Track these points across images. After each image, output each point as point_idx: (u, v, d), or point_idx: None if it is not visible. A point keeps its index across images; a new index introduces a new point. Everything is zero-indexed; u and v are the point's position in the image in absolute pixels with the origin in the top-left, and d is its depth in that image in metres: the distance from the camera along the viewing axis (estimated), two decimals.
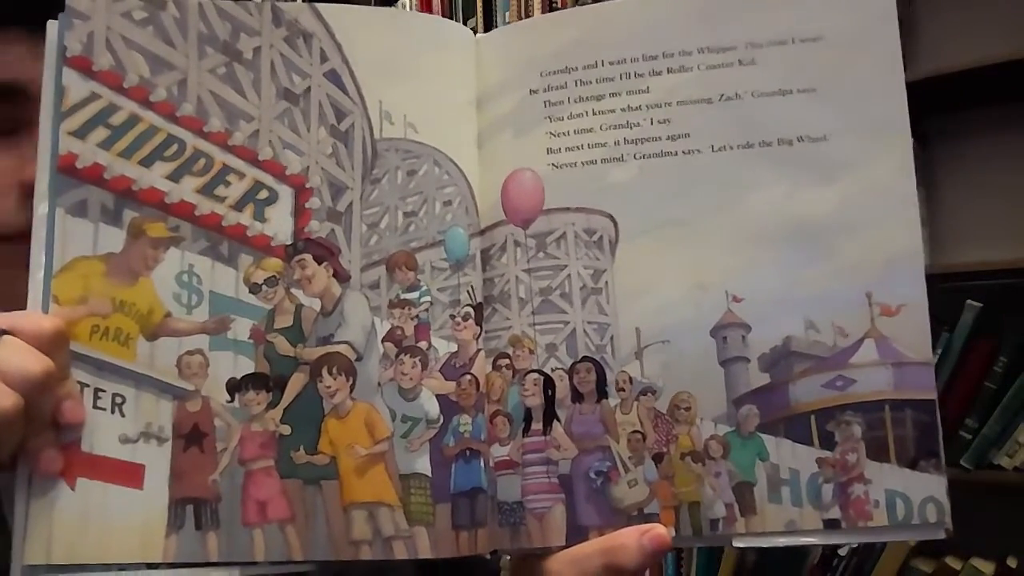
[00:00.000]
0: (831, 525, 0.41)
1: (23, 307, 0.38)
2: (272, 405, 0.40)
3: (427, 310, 0.42)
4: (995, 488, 1.49)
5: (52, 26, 0.39)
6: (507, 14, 2.19)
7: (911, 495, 0.41)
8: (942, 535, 0.41)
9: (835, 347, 0.41)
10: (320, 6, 0.42)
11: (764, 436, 0.42)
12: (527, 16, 2.14)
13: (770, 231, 0.41)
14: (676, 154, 0.41)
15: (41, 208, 0.38)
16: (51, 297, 0.38)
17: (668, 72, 0.41)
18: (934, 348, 1.47)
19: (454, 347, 0.42)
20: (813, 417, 0.41)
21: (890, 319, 0.40)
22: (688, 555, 1.71)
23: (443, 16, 2.34)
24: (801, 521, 0.41)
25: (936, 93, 1.58)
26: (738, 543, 0.42)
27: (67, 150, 0.38)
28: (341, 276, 0.41)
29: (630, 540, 0.39)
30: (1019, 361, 1.41)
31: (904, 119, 0.41)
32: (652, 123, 0.41)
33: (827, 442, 0.41)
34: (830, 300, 0.41)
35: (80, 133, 0.38)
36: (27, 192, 0.41)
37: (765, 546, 0.42)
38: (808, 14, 0.41)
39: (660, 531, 0.40)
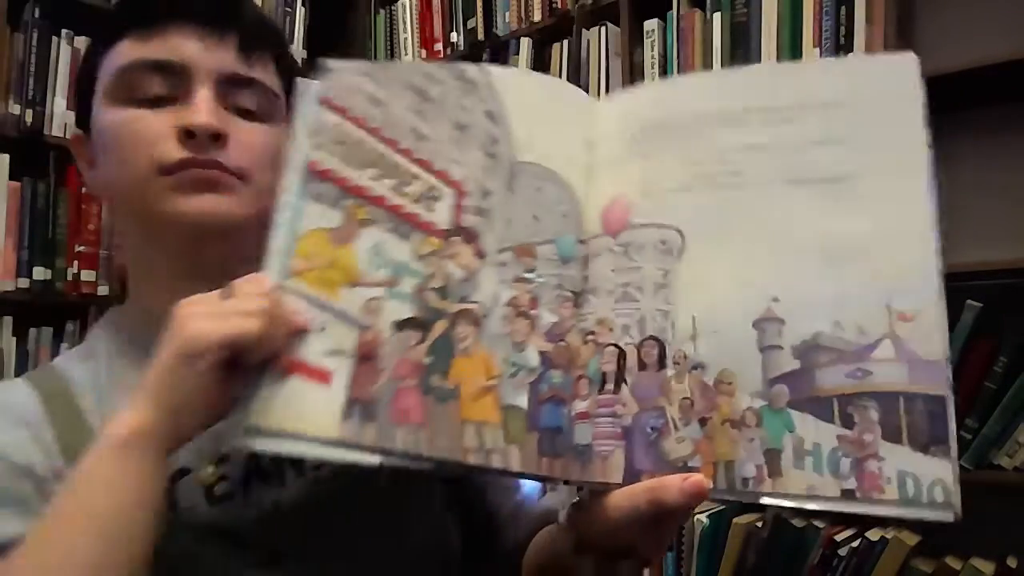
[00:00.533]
0: (847, 495, 0.46)
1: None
2: (421, 341, 0.53)
3: (539, 288, 0.54)
4: (995, 488, 1.50)
5: (306, 83, 0.57)
6: (507, 14, 2.20)
7: (921, 476, 0.45)
8: (951, 518, 0.44)
9: (857, 344, 0.48)
10: (484, 65, 0.60)
11: (792, 412, 0.48)
12: (527, 16, 2.16)
13: (807, 248, 0.50)
14: (733, 187, 0.52)
15: (287, 195, 0.54)
16: (295, 251, 0.54)
17: (730, 127, 0.53)
18: None
19: (555, 319, 0.54)
20: (835, 400, 0.47)
21: (906, 323, 0.47)
22: (688, 555, 1.71)
23: (443, 16, 2.36)
24: (821, 488, 0.47)
25: (936, 93, 1.58)
26: (765, 500, 0.48)
27: (312, 158, 0.55)
28: (479, 253, 0.55)
29: (674, 483, 0.47)
30: (1019, 361, 1.41)
31: (922, 159, 0.49)
32: (716, 163, 0.53)
33: (847, 422, 0.47)
34: (854, 305, 0.48)
35: (321, 147, 0.56)
36: (180, 136, 0.58)
37: (788, 505, 0.48)
38: (836, 84, 0.53)
39: (699, 478, 0.47)
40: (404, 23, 2.46)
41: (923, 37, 1.71)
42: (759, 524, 1.64)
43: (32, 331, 1.91)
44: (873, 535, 1.53)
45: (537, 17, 2.14)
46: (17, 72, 1.91)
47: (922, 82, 0.50)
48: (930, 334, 0.47)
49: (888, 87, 0.51)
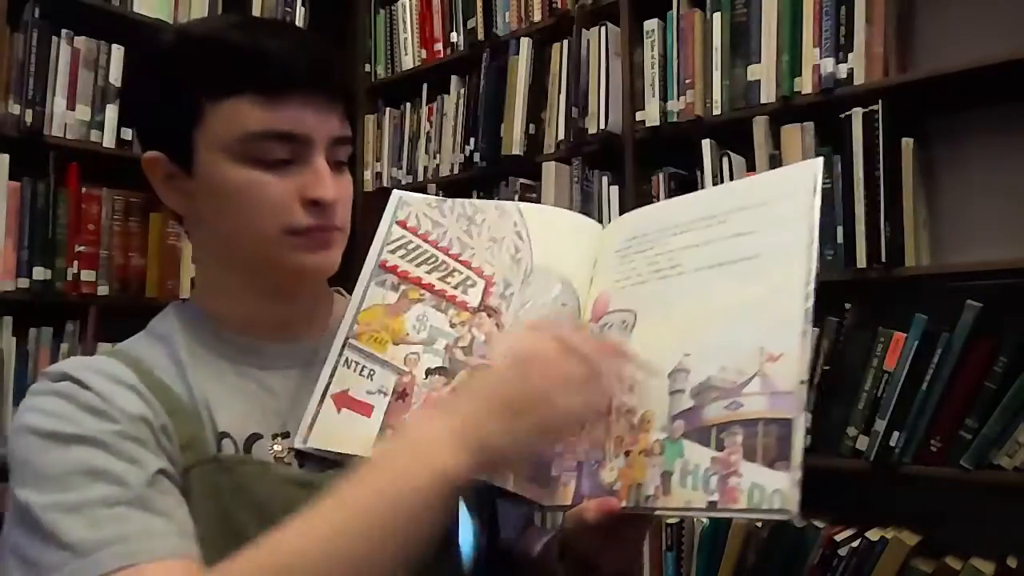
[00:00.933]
0: (712, 505, 0.58)
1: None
2: (446, 384, 0.70)
3: None
4: (995, 488, 1.50)
5: (393, 199, 0.82)
6: (507, 14, 2.20)
7: (766, 486, 0.56)
8: (787, 518, 0.55)
9: (735, 382, 0.59)
10: (519, 203, 0.81)
11: (684, 441, 0.62)
12: (527, 16, 2.16)
13: (716, 312, 0.64)
14: (673, 276, 0.69)
15: (362, 281, 0.77)
16: (356, 319, 0.74)
17: (678, 234, 0.71)
18: (934, 348, 1.48)
19: None
20: (714, 428, 0.59)
21: (773, 363, 0.58)
22: (688, 555, 1.71)
23: (443, 16, 2.36)
24: (695, 501, 0.59)
25: (936, 93, 1.59)
26: (657, 512, 0.62)
27: (384, 258, 0.78)
28: (500, 325, 0.73)
29: (592, 504, 0.64)
30: (1019, 361, 1.41)
31: (806, 240, 0.62)
32: (666, 260, 0.70)
33: (720, 446, 0.59)
34: (738, 351, 0.61)
35: (392, 250, 0.78)
36: (306, 204, 0.67)
37: (671, 516, 0.67)
38: (761, 190, 0.69)
39: (609, 500, 0.64)
40: (404, 23, 2.46)
41: (923, 37, 1.71)
42: (759, 524, 1.64)
43: (32, 331, 1.91)
44: (873, 535, 1.53)
45: (537, 17, 2.14)
46: (17, 72, 1.91)
47: (818, 181, 0.65)
48: (790, 369, 0.57)
49: (792, 188, 0.65)
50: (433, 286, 0.76)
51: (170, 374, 0.67)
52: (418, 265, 0.77)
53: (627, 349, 0.66)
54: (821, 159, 0.67)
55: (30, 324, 1.91)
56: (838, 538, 1.56)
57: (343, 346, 0.73)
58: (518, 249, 0.77)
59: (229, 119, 0.65)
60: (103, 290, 2.04)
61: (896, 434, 1.50)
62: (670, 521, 1.71)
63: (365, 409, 0.70)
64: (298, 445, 0.68)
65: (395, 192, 0.83)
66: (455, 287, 0.75)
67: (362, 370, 0.71)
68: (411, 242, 0.78)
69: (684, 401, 0.61)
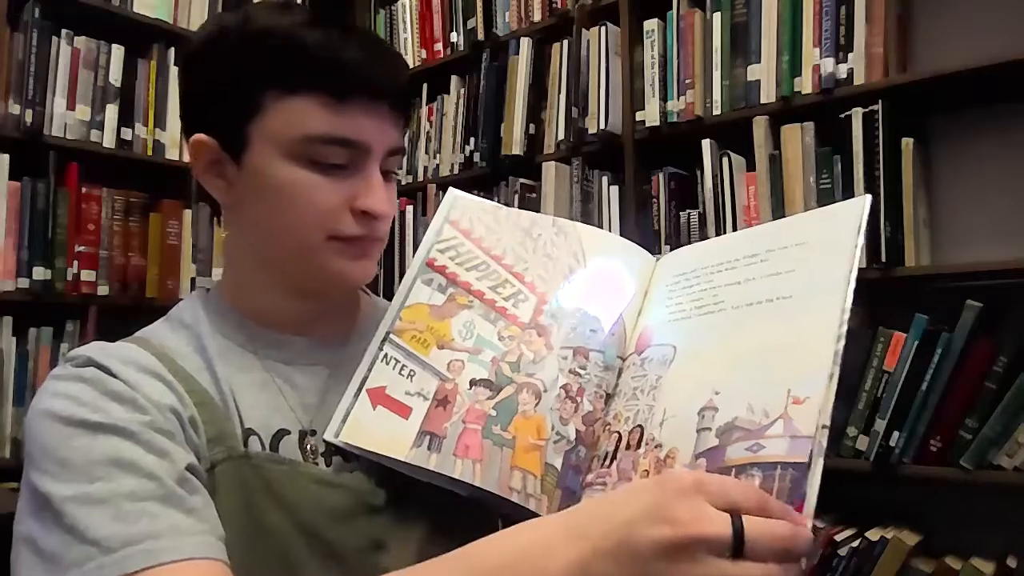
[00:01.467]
0: None
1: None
2: (490, 399, 0.68)
3: (585, 382, 0.69)
4: (995, 488, 1.49)
5: (448, 197, 0.80)
6: (507, 14, 2.20)
7: None
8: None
9: (760, 423, 0.58)
10: (576, 223, 0.79)
11: None
12: (527, 16, 2.17)
13: (748, 352, 0.62)
14: (715, 313, 0.67)
15: (408, 276, 0.75)
16: (399, 315, 0.73)
17: (723, 271, 0.69)
18: (934, 348, 1.48)
19: (591, 408, 0.68)
20: (734, 469, 0.57)
21: (798, 406, 0.56)
22: None
23: (443, 16, 2.36)
24: None
25: (936, 93, 1.59)
26: None
27: (432, 256, 0.76)
28: (548, 346, 0.71)
29: None
30: (1019, 361, 1.41)
31: (842, 286, 0.59)
32: (709, 297, 0.68)
33: None
34: (766, 393, 0.59)
35: (441, 250, 0.76)
36: (356, 213, 0.66)
37: None
38: (801, 228, 0.68)
39: None
40: (404, 23, 2.46)
41: (923, 37, 1.71)
42: None
43: (32, 331, 1.91)
44: (873, 535, 1.53)
45: (537, 17, 2.14)
46: (17, 72, 1.91)
47: (863, 219, 0.62)
48: (811, 413, 0.55)
49: (835, 226, 0.64)
50: (483, 294, 0.74)
51: (195, 365, 0.66)
52: (468, 270, 0.75)
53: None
54: (869, 197, 0.64)
55: (30, 324, 1.91)
56: (838, 538, 1.56)
57: (383, 340, 0.71)
58: (572, 271, 0.75)
59: (291, 117, 0.64)
60: (103, 290, 2.04)
61: (896, 434, 1.50)
62: None
63: (403, 410, 0.68)
64: (328, 437, 0.66)
65: (451, 190, 0.81)
66: (506, 299, 0.73)
67: (401, 368, 0.70)
68: (463, 244, 0.76)
69: (709, 439, 0.60)
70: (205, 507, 0.57)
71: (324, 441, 0.67)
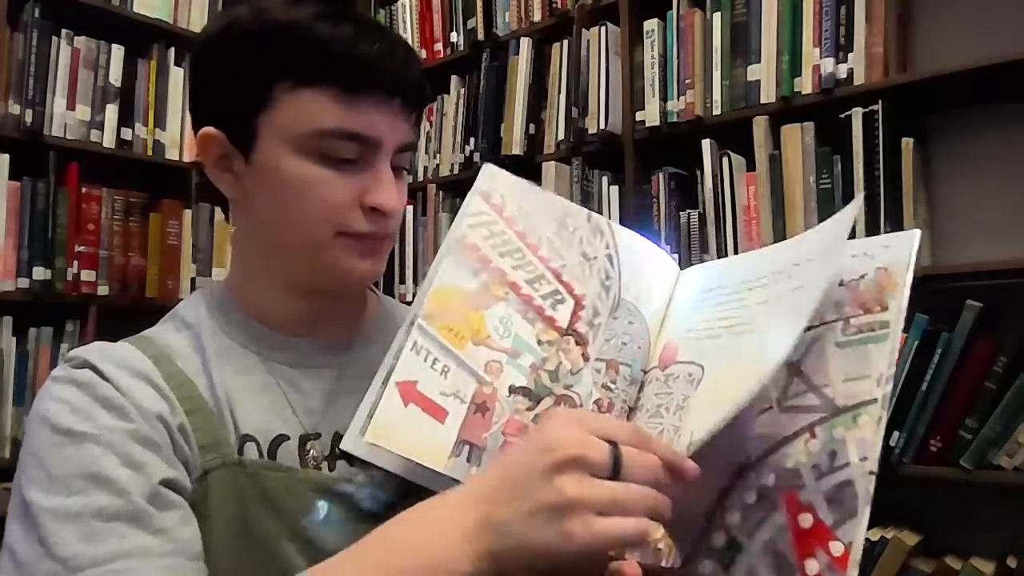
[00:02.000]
0: None
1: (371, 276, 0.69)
2: (529, 408, 0.63)
3: (615, 397, 0.66)
4: (995, 488, 1.49)
5: (483, 171, 0.71)
6: (507, 14, 2.20)
7: None
8: None
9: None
10: (607, 220, 0.74)
11: None
12: (527, 16, 2.16)
13: (768, 375, 0.58)
14: (745, 334, 0.63)
15: (440, 255, 0.67)
16: (430, 298, 0.64)
17: (753, 289, 0.66)
18: (934, 348, 1.48)
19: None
20: None
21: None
22: None
23: (443, 16, 2.36)
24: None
25: (936, 93, 1.59)
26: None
27: (464, 234, 0.68)
28: (585, 356, 0.67)
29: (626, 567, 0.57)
30: (1019, 361, 1.41)
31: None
32: (738, 316, 0.64)
33: None
34: None
35: (473, 226, 0.68)
36: (365, 209, 0.65)
37: None
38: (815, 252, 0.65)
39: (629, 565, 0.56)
40: (404, 23, 2.46)
41: (923, 37, 1.71)
42: None
43: (32, 331, 1.92)
44: (873, 535, 1.53)
45: (537, 17, 2.14)
46: (17, 72, 1.91)
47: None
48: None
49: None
50: (519, 287, 0.67)
51: (193, 366, 0.66)
52: (502, 255, 0.68)
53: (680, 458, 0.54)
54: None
55: (30, 324, 1.91)
56: None
57: (411, 324, 0.63)
58: (608, 276, 0.71)
59: (301, 111, 0.63)
60: (103, 290, 2.04)
61: (896, 434, 1.50)
62: None
63: (438, 412, 0.60)
64: (348, 443, 0.63)
65: (486, 164, 0.73)
66: (544, 297, 0.68)
67: (434, 362, 0.62)
68: (495, 222, 0.69)
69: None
70: (180, 524, 0.57)
71: (340, 450, 0.66)
